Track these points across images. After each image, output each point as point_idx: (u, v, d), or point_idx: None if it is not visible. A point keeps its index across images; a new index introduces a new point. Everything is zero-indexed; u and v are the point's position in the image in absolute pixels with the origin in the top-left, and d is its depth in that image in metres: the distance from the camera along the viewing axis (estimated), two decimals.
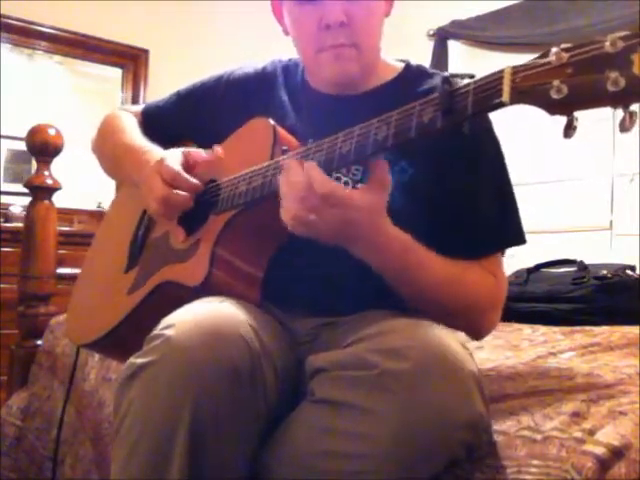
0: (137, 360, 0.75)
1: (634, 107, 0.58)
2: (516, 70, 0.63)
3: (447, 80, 0.69)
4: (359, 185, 0.77)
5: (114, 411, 0.77)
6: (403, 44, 2.81)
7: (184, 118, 1.17)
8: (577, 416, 0.75)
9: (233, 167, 0.96)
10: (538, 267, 2.24)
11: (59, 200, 1.85)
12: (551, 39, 2.99)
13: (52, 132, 1.76)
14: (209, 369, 0.72)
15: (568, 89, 0.59)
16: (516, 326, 1.59)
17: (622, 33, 0.57)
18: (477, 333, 0.97)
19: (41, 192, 1.77)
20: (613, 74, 0.56)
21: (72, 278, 1.30)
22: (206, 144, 1.10)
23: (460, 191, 0.96)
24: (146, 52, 3.67)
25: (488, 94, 0.65)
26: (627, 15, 2.79)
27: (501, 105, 0.64)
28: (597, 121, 2.53)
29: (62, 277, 1.90)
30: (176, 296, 0.89)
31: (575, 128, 0.61)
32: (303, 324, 0.97)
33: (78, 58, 3.51)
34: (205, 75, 1.18)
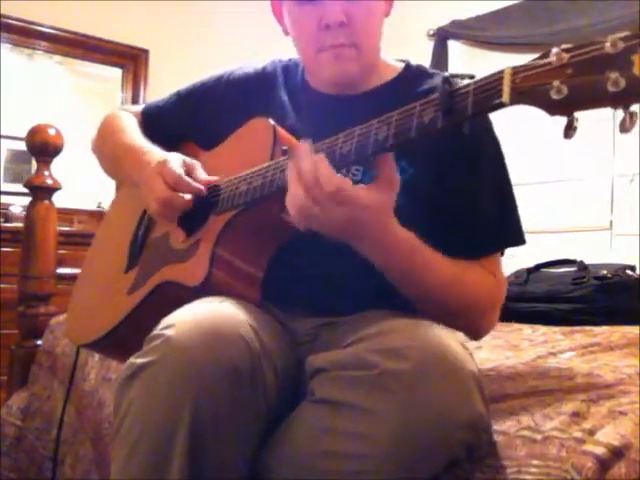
0: (137, 360, 0.75)
1: (634, 108, 0.58)
2: (516, 70, 0.63)
3: (447, 80, 0.69)
4: (360, 185, 0.77)
5: (114, 411, 0.77)
6: (403, 44, 2.81)
7: (184, 118, 1.17)
8: (577, 416, 0.75)
9: (233, 167, 0.96)
10: (538, 267, 2.24)
11: (59, 200, 1.85)
12: (551, 39, 2.99)
13: (52, 132, 1.76)
14: (209, 369, 0.72)
15: (568, 90, 0.59)
16: (516, 326, 1.59)
17: (622, 34, 0.57)
18: (476, 333, 0.97)
19: (41, 192, 1.77)
20: (613, 75, 0.56)
21: (72, 278, 1.30)
22: (206, 144, 1.10)
23: (460, 191, 0.96)
24: (146, 52, 3.67)
25: (488, 94, 0.65)
26: (627, 15, 2.79)
27: (501, 105, 0.64)
28: (597, 121, 2.53)
29: (62, 277, 1.90)
30: (176, 296, 0.89)
31: (575, 129, 0.61)
32: (303, 324, 0.97)
33: (78, 58, 3.51)
34: (205, 75, 1.18)
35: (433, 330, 0.75)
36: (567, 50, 0.60)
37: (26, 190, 1.82)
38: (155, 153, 1.05)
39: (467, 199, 0.97)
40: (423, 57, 3.46)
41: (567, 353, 1.18)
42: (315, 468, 0.72)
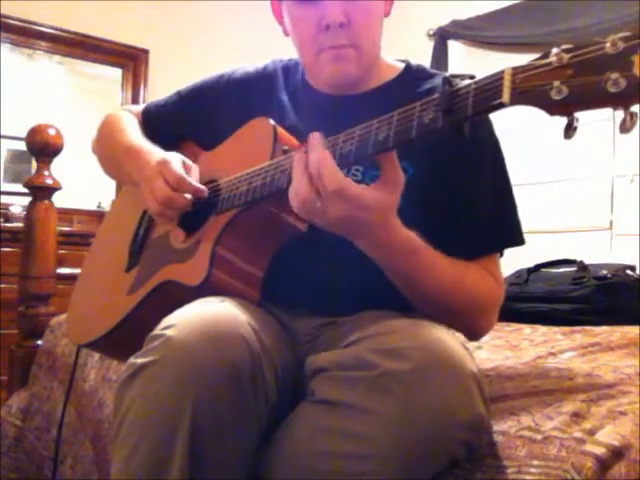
0: (137, 360, 0.75)
1: (634, 108, 0.58)
2: (516, 71, 0.63)
3: (447, 81, 0.69)
4: (363, 185, 0.77)
5: (114, 411, 0.77)
6: (403, 44, 2.82)
7: (184, 118, 1.17)
8: (577, 416, 0.75)
9: (233, 167, 0.96)
10: (538, 267, 2.24)
11: (59, 200, 1.85)
12: (551, 39, 2.99)
13: (52, 132, 1.76)
14: (209, 369, 0.72)
15: (568, 90, 0.59)
16: (516, 326, 1.59)
17: (622, 34, 0.57)
18: (475, 333, 0.97)
19: (41, 192, 1.77)
20: (614, 75, 0.56)
21: (72, 278, 1.30)
22: (206, 144, 1.10)
23: (460, 191, 0.96)
24: (146, 52, 3.67)
25: (488, 94, 0.65)
26: (627, 15, 2.79)
27: (501, 106, 0.64)
28: (597, 121, 2.53)
29: (62, 277, 1.90)
30: (176, 296, 0.89)
31: (575, 129, 0.61)
32: (303, 324, 0.97)
33: (78, 58, 3.51)
34: (205, 75, 1.18)
35: (433, 330, 0.75)
36: (567, 50, 0.60)
37: (26, 190, 1.82)
38: (155, 153, 1.04)
39: (467, 199, 0.97)
40: (423, 57, 3.47)
41: (567, 353, 1.18)
42: (315, 468, 0.72)
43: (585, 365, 1.05)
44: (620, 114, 0.59)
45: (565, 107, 0.60)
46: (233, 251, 0.92)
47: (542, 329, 1.54)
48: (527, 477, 0.68)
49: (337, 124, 0.80)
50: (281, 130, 0.94)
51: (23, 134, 1.79)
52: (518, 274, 2.22)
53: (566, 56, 0.60)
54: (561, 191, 3.18)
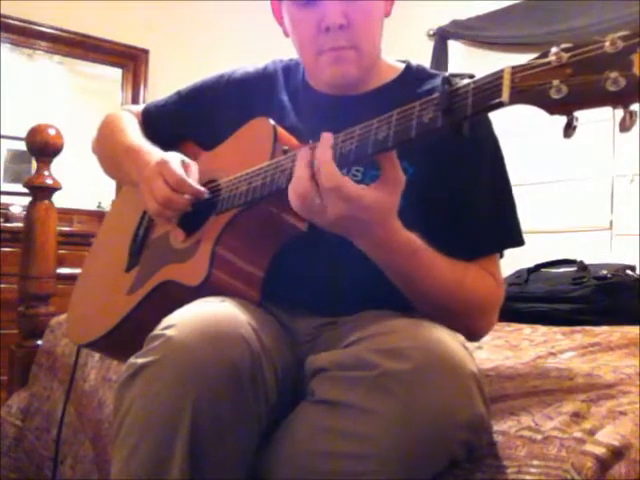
0: (138, 360, 0.75)
1: (634, 107, 0.58)
2: (516, 70, 0.63)
3: (447, 80, 0.69)
4: (361, 186, 0.77)
5: (114, 411, 0.77)
6: (403, 44, 2.82)
7: (185, 118, 1.17)
8: (577, 416, 0.75)
9: (233, 167, 0.96)
10: (538, 267, 2.24)
11: (59, 200, 1.85)
12: (551, 39, 2.99)
13: (52, 132, 1.76)
14: (210, 369, 0.72)
15: (568, 89, 0.59)
16: (516, 326, 1.59)
17: (622, 33, 0.57)
18: (475, 334, 0.96)
19: (41, 192, 1.77)
20: (613, 74, 0.56)
21: (72, 278, 1.30)
22: (206, 144, 1.10)
23: (460, 192, 0.96)
24: (146, 52, 3.67)
25: (488, 94, 0.65)
26: (627, 15, 2.79)
27: (501, 105, 0.64)
28: (597, 121, 2.53)
29: (62, 277, 1.90)
30: (176, 296, 0.89)
31: (575, 128, 0.61)
32: (304, 324, 0.97)
33: (78, 58, 3.51)
34: (205, 75, 1.18)
35: (433, 330, 0.75)
36: (566, 49, 0.60)
37: (26, 190, 1.82)
38: (154, 153, 1.04)
39: (466, 199, 0.97)
40: (423, 57, 3.47)
41: (567, 353, 1.18)
42: (315, 468, 0.72)
43: (585, 365, 1.05)
44: (620, 113, 0.59)
45: (564, 106, 0.60)
46: (233, 251, 0.92)
47: (542, 329, 1.54)
48: (527, 477, 0.68)
49: (337, 124, 0.80)
50: (281, 130, 0.94)
51: (23, 134, 1.79)
52: (518, 274, 2.22)
53: (565, 55, 0.60)
54: (561, 191, 3.18)
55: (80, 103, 3.51)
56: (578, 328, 1.53)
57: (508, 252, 1.02)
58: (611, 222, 3.04)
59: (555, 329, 1.52)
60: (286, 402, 0.81)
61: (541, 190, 3.19)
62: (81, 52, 3.49)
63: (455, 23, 3.60)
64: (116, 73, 3.67)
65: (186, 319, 0.76)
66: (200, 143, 1.13)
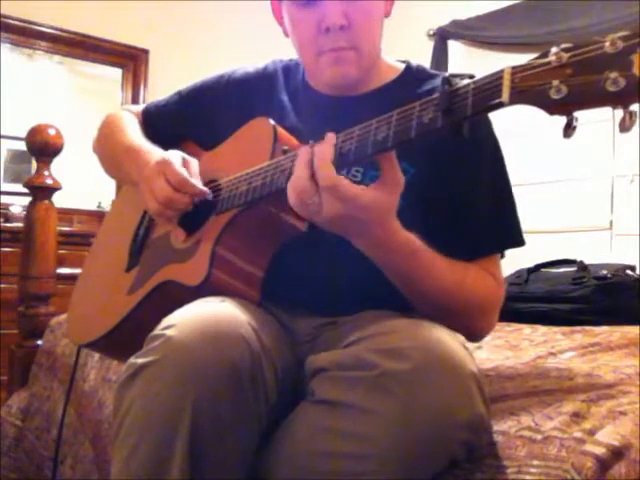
0: (138, 360, 0.75)
1: (634, 107, 0.58)
2: (515, 70, 0.63)
3: (447, 80, 0.69)
4: (360, 186, 0.77)
5: (114, 411, 0.77)
6: (403, 44, 2.82)
7: (185, 118, 1.17)
8: (577, 416, 0.75)
9: (233, 167, 0.96)
10: (538, 267, 2.24)
11: (59, 200, 1.85)
12: (551, 39, 2.99)
13: (52, 132, 1.76)
14: (210, 369, 0.72)
15: (568, 89, 0.59)
16: (516, 326, 1.59)
17: (622, 33, 0.57)
18: (475, 334, 0.96)
19: (41, 192, 1.77)
20: (613, 74, 0.56)
21: (72, 278, 1.30)
22: (206, 144, 1.10)
23: (460, 192, 0.96)
24: (146, 52, 3.67)
25: (488, 94, 0.65)
26: (627, 15, 2.79)
27: (500, 105, 0.64)
28: (597, 121, 2.53)
29: (62, 277, 1.90)
30: (176, 296, 0.89)
31: (575, 128, 0.61)
32: (304, 324, 0.97)
33: (78, 58, 3.51)
34: (205, 75, 1.18)
35: (433, 330, 0.75)
36: (566, 50, 0.60)
37: (26, 190, 1.82)
38: (154, 153, 1.04)
39: (466, 199, 0.97)
40: (423, 57, 3.47)
41: (567, 353, 1.18)
42: (315, 468, 0.72)
43: (585, 365, 1.05)
44: (620, 113, 0.59)
45: (564, 106, 0.60)
46: (233, 251, 0.92)
47: (542, 329, 1.54)
48: (527, 477, 0.68)
49: (337, 125, 0.80)
50: (281, 130, 0.94)
51: (23, 134, 1.79)
52: (518, 274, 2.22)
53: (565, 55, 0.60)
54: (561, 191, 3.18)
55: (80, 103, 3.51)
56: (578, 328, 1.53)
57: (508, 252, 1.01)
58: (611, 222, 3.04)
59: (555, 329, 1.52)
60: (286, 402, 0.81)
61: (541, 190, 3.19)
62: (81, 52, 3.49)
63: (455, 23, 3.60)
64: (116, 73, 3.67)
65: (186, 319, 0.76)
66: (200, 143, 1.13)
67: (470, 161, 0.96)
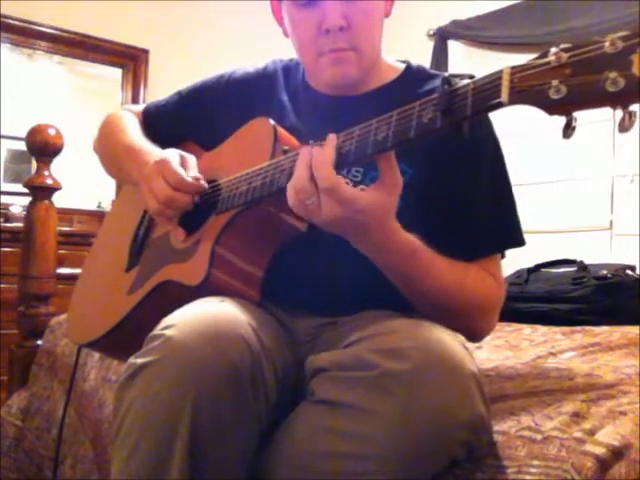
0: (137, 360, 0.75)
1: (633, 107, 0.58)
2: (515, 70, 0.63)
3: (447, 80, 0.69)
4: (360, 187, 0.77)
5: (114, 411, 0.77)
6: (403, 44, 2.82)
7: (185, 118, 1.17)
8: (577, 416, 0.75)
9: (233, 167, 0.96)
10: (538, 267, 2.24)
11: (59, 200, 1.85)
12: (551, 39, 2.99)
13: (52, 132, 1.76)
14: (210, 369, 0.72)
15: (567, 89, 0.59)
16: (516, 326, 1.59)
17: (621, 33, 0.57)
18: (475, 334, 0.96)
19: (41, 192, 1.77)
20: (612, 74, 0.56)
21: (72, 278, 1.30)
22: (207, 144, 1.10)
23: (460, 192, 0.96)
24: (146, 52, 3.67)
25: (487, 94, 0.65)
26: (627, 15, 2.79)
27: (500, 105, 0.64)
28: (597, 121, 2.53)
29: (62, 277, 1.90)
30: (176, 296, 0.89)
31: (574, 128, 0.61)
32: (304, 324, 0.97)
33: (78, 58, 3.51)
34: (205, 75, 1.18)
35: (433, 330, 0.75)
36: (566, 50, 0.60)
37: (26, 190, 1.82)
38: (154, 153, 1.04)
39: (466, 199, 0.97)
40: (423, 57, 3.47)
41: (567, 353, 1.18)
42: (315, 468, 0.72)
43: (585, 365, 1.05)
44: (620, 114, 0.59)
45: (564, 106, 0.60)
46: (233, 251, 0.92)
47: (542, 329, 1.54)
48: (527, 477, 0.68)
49: (337, 125, 0.80)
50: (281, 130, 0.94)
51: (23, 134, 1.79)
52: (518, 274, 2.22)
53: (565, 55, 0.60)
54: (561, 191, 3.18)
55: (80, 103, 3.52)
56: (578, 328, 1.53)
57: (508, 252, 1.01)
58: (611, 222, 3.04)
59: (555, 329, 1.52)
60: (286, 402, 0.81)
61: (541, 190, 3.19)
62: (81, 52, 3.49)
63: (455, 23, 3.60)
64: (116, 73, 3.67)
65: (186, 319, 0.76)
66: (200, 143, 1.13)
67: (470, 161, 0.96)
